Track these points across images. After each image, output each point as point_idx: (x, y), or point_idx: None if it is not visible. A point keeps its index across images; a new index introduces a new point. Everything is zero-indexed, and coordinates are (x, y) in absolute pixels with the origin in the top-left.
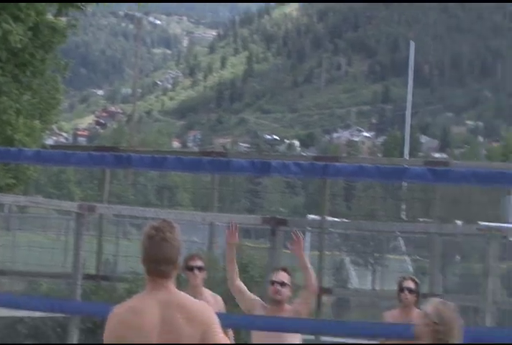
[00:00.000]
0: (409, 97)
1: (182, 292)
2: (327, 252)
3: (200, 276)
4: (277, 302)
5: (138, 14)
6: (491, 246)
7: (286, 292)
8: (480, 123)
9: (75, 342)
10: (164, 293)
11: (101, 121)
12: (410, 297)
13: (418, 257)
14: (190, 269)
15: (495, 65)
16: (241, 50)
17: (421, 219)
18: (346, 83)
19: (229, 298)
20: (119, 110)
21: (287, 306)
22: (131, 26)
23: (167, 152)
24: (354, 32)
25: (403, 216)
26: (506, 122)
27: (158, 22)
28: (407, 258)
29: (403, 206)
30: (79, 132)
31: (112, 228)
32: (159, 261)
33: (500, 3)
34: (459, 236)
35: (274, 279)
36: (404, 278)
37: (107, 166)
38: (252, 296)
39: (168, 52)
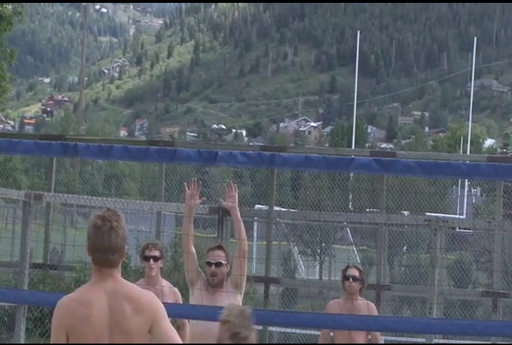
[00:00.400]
0: (356, 87)
1: (128, 282)
2: (274, 242)
3: (156, 266)
4: (214, 284)
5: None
6: (438, 237)
7: (223, 270)
8: (426, 114)
9: (22, 331)
10: (111, 283)
11: (48, 109)
12: (354, 285)
13: (365, 247)
14: (147, 258)
15: (441, 55)
16: (188, 39)
17: (368, 210)
18: (293, 72)
19: (182, 288)
20: (65, 98)
21: (224, 284)
22: (77, 14)
23: (114, 140)
24: (300, 22)
25: (350, 207)
26: (452, 113)
27: (104, 10)
28: (354, 248)
29: (350, 197)
30: (26, 120)
31: (60, 217)
32: (106, 251)
33: None
34: (406, 226)
35: (209, 260)
36: (348, 266)
37: (54, 155)
38: (199, 269)
39: (115, 40)
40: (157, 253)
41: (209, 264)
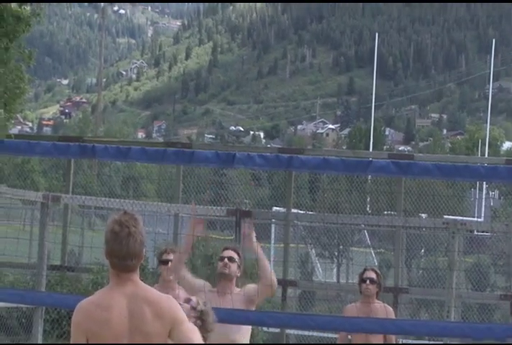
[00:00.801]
0: (374, 89)
1: (147, 286)
2: (292, 245)
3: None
4: (226, 278)
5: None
6: (456, 240)
7: (234, 267)
8: (444, 116)
9: (40, 333)
10: (130, 287)
11: (66, 110)
12: (371, 288)
13: (382, 250)
14: (164, 262)
15: (459, 57)
16: (206, 41)
17: (386, 212)
18: (311, 74)
19: None
20: (83, 100)
21: (236, 289)
22: (95, 15)
23: (132, 142)
24: (318, 24)
25: (368, 209)
26: (470, 115)
27: (123, 12)
28: (372, 251)
29: (368, 199)
30: (44, 122)
31: (77, 219)
32: (124, 257)
33: None
34: (424, 229)
35: (222, 254)
36: (365, 269)
37: (72, 156)
38: (195, 279)
39: (133, 41)
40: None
41: (222, 258)
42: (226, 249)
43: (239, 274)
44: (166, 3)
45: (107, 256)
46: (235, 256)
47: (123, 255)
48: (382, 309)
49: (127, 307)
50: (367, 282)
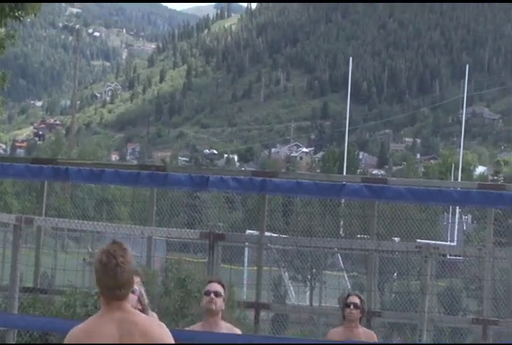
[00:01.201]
0: (347, 113)
1: (137, 311)
2: (265, 268)
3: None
4: (212, 314)
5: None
6: (428, 264)
7: (220, 301)
8: (418, 141)
9: None
10: (119, 313)
11: (40, 132)
12: (355, 313)
13: (355, 274)
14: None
15: (433, 82)
16: (180, 64)
17: (358, 236)
18: (285, 98)
19: (165, 314)
20: (57, 122)
21: (222, 323)
22: (70, 38)
23: (105, 164)
24: (293, 47)
25: (341, 233)
26: (443, 140)
27: (97, 34)
28: (345, 274)
29: (341, 223)
30: (17, 143)
31: (50, 241)
32: (113, 287)
33: (438, 21)
34: (397, 253)
35: (208, 288)
36: (349, 294)
37: (45, 178)
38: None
39: (107, 64)
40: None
41: (208, 292)
42: (211, 281)
43: (223, 308)
44: (141, 25)
45: (97, 286)
46: (220, 289)
47: (111, 285)
48: (365, 334)
49: (117, 333)
50: (351, 307)
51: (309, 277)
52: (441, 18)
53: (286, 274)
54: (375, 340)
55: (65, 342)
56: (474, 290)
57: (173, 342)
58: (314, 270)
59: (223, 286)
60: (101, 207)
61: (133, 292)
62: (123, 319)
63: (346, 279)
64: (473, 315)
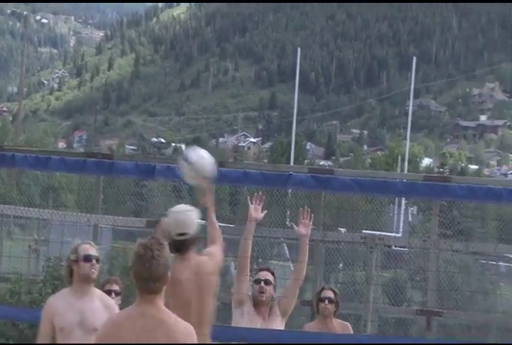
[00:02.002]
0: (295, 103)
1: (169, 310)
2: None
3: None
4: (262, 303)
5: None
6: (374, 255)
7: (270, 290)
8: (365, 132)
9: None
10: (149, 308)
11: None
12: (330, 307)
13: None
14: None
15: (380, 74)
16: (128, 52)
17: None
18: (233, 88)
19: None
20: (4, 108)
21: (275, 309)
22: (18, 24)
23: (52, 152)
24: (241, 37)
25: (288, 223)
26: (390, 131)
27: (45, 21)
28: (291, 264)
29: (288, 213)
30: None
31: None
32: (147, 279)
33: (386, 13)
34: (343, 243)
35: (259, 277)
36: (323, 288)
37: None
38: (248, 291)
39: (55, 51)
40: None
41: (258, 281)
42: (261, 269)
43: (274, 295)
44: (89, 13)
45: (133, 279)
46: (270, 277)
47: (146, 277)
48: (341, 326)
49: (140, 327)
50: (326, 301)
51: (255, 266)
52: (389, 10)
53: (232, 263)
54: (350, 331)
55: (100, 329)
56: (418, 281)
57: None
58: (260, 260)
59: (273, 274)
60: (47, 194)
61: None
62: (150, 315)
63: (292, 269)
64: (417, 306)
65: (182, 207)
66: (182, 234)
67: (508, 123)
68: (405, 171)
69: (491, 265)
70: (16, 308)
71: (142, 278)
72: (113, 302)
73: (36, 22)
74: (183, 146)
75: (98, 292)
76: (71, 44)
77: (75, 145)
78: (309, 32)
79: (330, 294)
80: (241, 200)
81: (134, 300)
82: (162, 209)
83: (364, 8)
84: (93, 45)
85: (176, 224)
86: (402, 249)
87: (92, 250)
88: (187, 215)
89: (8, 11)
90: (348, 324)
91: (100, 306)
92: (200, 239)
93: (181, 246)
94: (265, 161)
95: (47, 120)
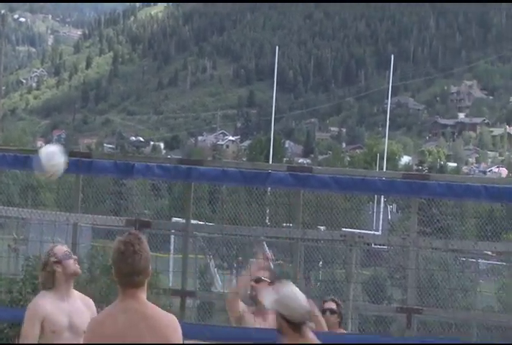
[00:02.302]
0: (274, 102)
1: (151, 304)
2: (191, 255)
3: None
4: (255, 298)
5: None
6: (353, 253)
7: (333, 319)
8: (344, 130)
9: None
10: (132, 302)
11: None
12: (332, 319)
13: (281, 262)
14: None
15: (358, 72)
16: (106, 51)
17: (284, 224)
18: (211, 86)
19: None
20: None
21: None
22: None
23: (30, 151)
24: (219, 36)
25: (267, 221)
26: (369, 129)
27: (23, 19)
28: (270, 263)
29: (267, 211)
30: None
31: None
32: (131, 274)
33: (364, 13)
34: (322, 242)
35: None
36: (325, 300)
37: None
38: (241, 310)
39: (33, 50)
40: None
41: (324, 311)
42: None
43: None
44: (67, 11)
45: (116, 276)
46: (335, 307)
47: (129, 272)
48: None
49: (124, 322)
50: (327, 313)
51: (235, 265)
52: (366, 9)
53: (212, 262)
54: None
55: (86, 330)
56: (398, 279)
57: (181, 339)
58: (240, 258)
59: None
60: (26, 193)
61: None
62: (133, 309)
63: (272, 267)
64: (397, 304)
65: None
66: None
67: (486, 121)
68: (384, 169)
69: (471, 262)
70: None
71: (126, 273)
72: (92, 302)
73: (14, 21)
74: (162, 144)
75: (76, 292)
76: (49, 43)
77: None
78: (287, 31)
79: (332, 305)
80: (220, 198)
81: (115, 298)
82: (141, 208)
83: (342, 8)
84: (71, 44)
85: None
86: (381, 246)
87: (67, 248)
88: None
89: None
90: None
91: (83, 307)
92: None
93: None
94: (244, 159)
95: (26, 119)
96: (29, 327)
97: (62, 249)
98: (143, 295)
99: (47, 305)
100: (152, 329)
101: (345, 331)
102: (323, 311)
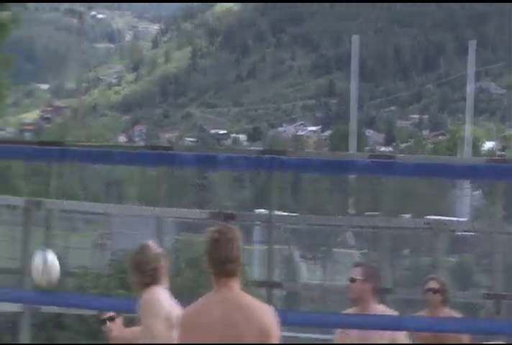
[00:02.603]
0: (353, 91)
1: (245, 293)
2: (276, 246)
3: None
4: (354, 302)
5: (81, 8)
6: (438, 240)
7: (356, 287)
8: (425, 117)
9: (26, 337)
10: (226, 292)
11: (47, 115)
12: (434, 298)
13: (366, 251)
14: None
15: (438, 58)
16: (184, 45)
17: (368, 213)
18: (290, 77)
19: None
20: (63, 105)
21: (377, 306)
22: (74, 20)
23: (113, 146)
24: (296, 27)
25: (351, 210)
26: (450, 116)
27: (101, 16)
28: (355, 252)
29: (351, 200)
30: (25, 127)
31: (60, 224)
32: (224, 261)
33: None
34: (407, 229)
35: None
36: (426, 280)
37: (54, 160)
38: None
39: (112, 46)
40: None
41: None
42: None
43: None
44: (145, 7)
45: (210, 265)
46: (359, 273)
47: (222, 259)
48: (450, 316)
49: (220, 313)
50: (430, 292)
51: (319, 255)
52: None
53: (297, 252)
54: None
55: (179, 320)
56: (485, 265)
57: (277, 330)
58: (324, 248)
59: (364, 270)
60: (109, 188)
61: None
62: (228, 299)
63: (357, 256)
64: (485, 290)
65: None
66: None
67: None
68: (468, 155)
69: None
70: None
71: (220, 261)
72: None
73: (91, 18)
74: (243, 136)
75: None
76: (127, 39)
77: (135, 139)
78: (364, 19)
79: (434, 284)
80: (303, 188)
81: (201, 291)
82: (224, 200)
83: None
84: (149, 39)
85: None
86: (467, 233)
87: None
88: None
89: (64, 8)
90: (458, 313)
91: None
92: None
93: None
94: (325, 149)
95: (107, 115)
96: (157, 324)
97: (155, 244)
98: (237, 285)
99: (166, 300)
100: (248, 319)
101: (450, 311)
102: (425, 291)
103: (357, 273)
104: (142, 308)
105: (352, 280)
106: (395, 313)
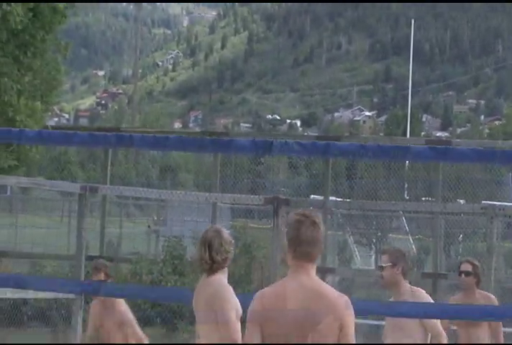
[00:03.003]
0: (410, 76)
1: (321, 280)
2: (330, 232)
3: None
4: (384, 286)
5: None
6: (494, 225)
7: (386, 272)
8: (482, 102)
9: (79, 323)
10: (305, 278)
11: (102, 102)
12: (467, 280)
13: (421, 236)
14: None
15: (496, 43)
16: (241, 30)
17: (423, 198)
18: (347, 62)
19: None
20: (119, 91)
21: (402, 289)
22: (131, 6)
23: (168, 132)
24: (354, 11)
25: (406, 196)
26: (508, 100)
27: (158, 2)
28: (410, 237)
29: (406, 185)
30: (80, 113)
31: (115, 210)
32: (308, 243)
33: None
34: (462, 215)
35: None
36: (462, 262)
37: (109, 146)
38: None
39: (168, 32)
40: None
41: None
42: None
43: (400, 271)
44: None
45: (291, 247)
46: (384, 261)
47: (305, 241)
48: (484, 298)
49: (301, 299)
50: (463, 275)
51: (374, 240)
52: None
53: (351, 238)
54: (495, 303)
55: (253, 303)
56: None
57: (353, 318)
58: (379, 234)
59: (390, 255)
60: (164, 175)
61: None
62: (308, 286)
63: (412, 242)
64: None
65: None
66: None
67: None
68: None
69: None
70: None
71: (302, 242)
72: None
73: (148, 4)
74: (298, 122)
75: None
76: (184, 25)
77: (190, 125)
78: (421, 3)
79: (467, 267)
80: (358, 174)
81: (254, 277)
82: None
83: None
84: (206, 25)
85: None
86: None
87: None
88: None
89: None
90: (492, 296)
91: None
92: None
93: None
94: (381, 134)
95: (163, 101)
96: (231, 311)
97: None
98: (313, 271)
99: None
100: (328, 309)
101: (484, 292)
102: (459, 273)
103: (385, 260)
104: (212, 293)
105: (381, 268)
106: (423, 292)
